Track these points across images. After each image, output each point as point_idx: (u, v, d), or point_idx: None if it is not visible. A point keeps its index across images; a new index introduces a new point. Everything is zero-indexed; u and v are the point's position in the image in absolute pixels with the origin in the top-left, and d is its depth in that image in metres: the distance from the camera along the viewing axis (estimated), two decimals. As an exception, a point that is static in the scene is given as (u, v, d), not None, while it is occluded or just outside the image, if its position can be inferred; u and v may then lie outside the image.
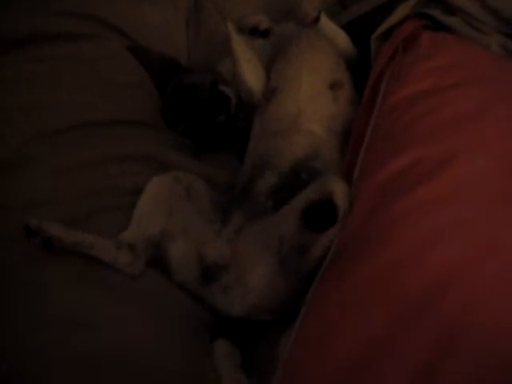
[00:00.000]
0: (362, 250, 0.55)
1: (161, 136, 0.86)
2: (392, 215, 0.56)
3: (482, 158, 0.59)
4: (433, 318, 0.46)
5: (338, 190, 0.59)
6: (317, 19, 0.88)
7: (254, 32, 0.85)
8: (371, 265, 0.52)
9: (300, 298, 0.58)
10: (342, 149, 0.77)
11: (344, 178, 0.65)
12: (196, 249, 0.68)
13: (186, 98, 0.87)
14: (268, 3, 1.06)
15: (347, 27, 0.91)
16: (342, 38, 0.90)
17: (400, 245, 0.53)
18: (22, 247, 0.65)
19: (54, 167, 0.76)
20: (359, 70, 0.87)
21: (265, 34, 0.86)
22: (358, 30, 0.92)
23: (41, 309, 0.61)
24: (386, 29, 0.85)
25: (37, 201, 0.73)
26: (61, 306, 0.62)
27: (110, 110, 0.83)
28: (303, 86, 0.80)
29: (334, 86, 0.81)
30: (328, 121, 0.77)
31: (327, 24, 0.90)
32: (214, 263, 0.67)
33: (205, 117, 0.85)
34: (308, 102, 0.79)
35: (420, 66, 0.74)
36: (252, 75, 0.83)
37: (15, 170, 0.76)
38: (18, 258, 0.66)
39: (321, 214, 0.59)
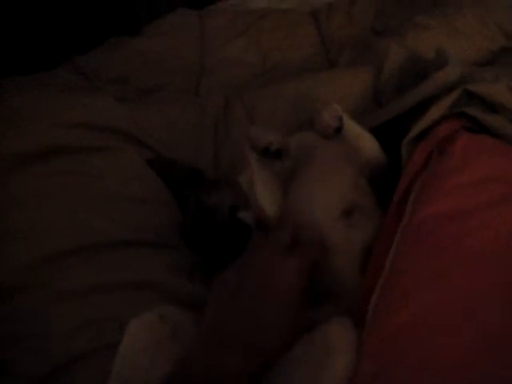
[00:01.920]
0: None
1: (168, 257, 0.80)
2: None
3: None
4: None
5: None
6: (339, 129, 0.79)
7: (266, 152, 0.78)
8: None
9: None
10: (363, 267, 0.67)
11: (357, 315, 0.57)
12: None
13: (203, 222, 0.81)
14: (297, 108, 1.02)
15: (376, 130, 0.82)
16: (369, 144, 0.80)
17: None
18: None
19: (53, 294, 0.71)
20: (389, 176, 0.77)
21: (277, 154, 0.78)
22: (388, 132, 0.83)
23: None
24: (419, 132, 0.76)
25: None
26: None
27: (114, 230, 0.78)
28: (315, 215, 0.72)
29: (347, 213, 0.72)
30: (342, 248, 0.68)
31: (351, 130, 0.80)
32: None
33: (223, 244, 0.78)
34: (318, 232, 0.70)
35: (449, 180, 0.65)
36: (267, 199, 0.76)
37: (15, 296, 0.72)
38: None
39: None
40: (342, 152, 0.80)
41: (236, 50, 1.47)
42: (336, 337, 0.51)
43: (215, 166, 0.99)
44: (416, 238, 0.60)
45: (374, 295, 0.58)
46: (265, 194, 0.76)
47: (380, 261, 0.62)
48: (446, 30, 1.09)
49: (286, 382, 0.50)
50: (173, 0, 1.67)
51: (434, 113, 0.76)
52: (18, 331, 0.69)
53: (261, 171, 0.78)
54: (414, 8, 1.38)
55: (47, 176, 0.80)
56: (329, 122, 0.80)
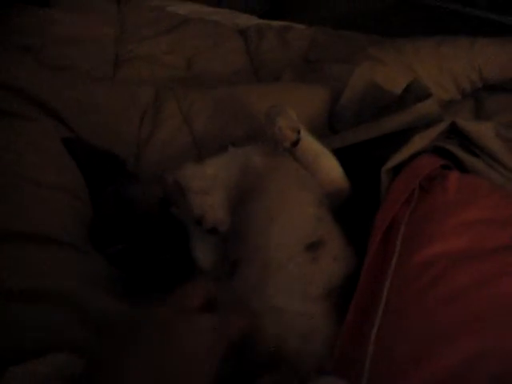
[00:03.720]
0: None
1: (85, 263, 0.59)
2: None
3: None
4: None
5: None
6: (295, 143, 0.64)
7: (199, 224, 0.60)
8: None
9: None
10: (329, 312, 0.55)
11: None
12: None
13: (124, 215, 0.63)
14: (240, 117, 0.88)
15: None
16: (331, 165, 0.68)
17: None
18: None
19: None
20: (353, 206, 0.67)
21: (212, 231, 0.60)
22: (349, 156, 0.72)
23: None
24: (398, 162, 0.67)
25: None
26: None
27: (13, 220, 0.58)
28: (271, 255, 0.58)
29: (312, 247, 0.59)
30: (303, 287, 0.56)
31: (310, 146, 0.67)
32: None
33: (148, 246, 0.60)
34: (276, 271, 0.57)
35: (452, 216, 0.56)
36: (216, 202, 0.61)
37: None
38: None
39: None
40: (297, 176, 0.67)
41: (158, 49, 1.33)
42: None
43: (136, 161, 0.81)
44: (422, 279, 0.50)
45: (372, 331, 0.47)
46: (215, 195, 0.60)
47: (365, 301, 0.52)
48: (402, 67, 1.04)
49: None
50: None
51: (417, 143, 0.69)
52: None
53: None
54: (350, 43, 1.35)
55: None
56: (286, 134, 0.64)
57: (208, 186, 0.61)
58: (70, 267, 0.57)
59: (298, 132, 0.65)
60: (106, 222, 0.64)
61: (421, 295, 0.48)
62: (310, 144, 0.68)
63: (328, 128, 0.90)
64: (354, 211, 0.66)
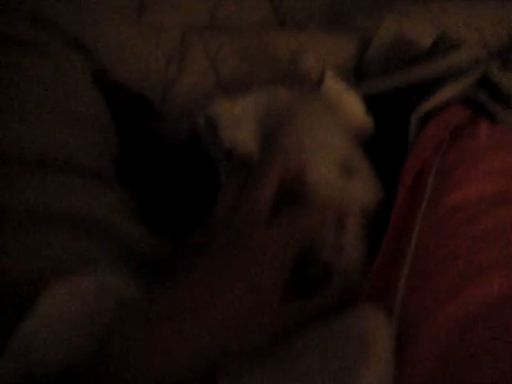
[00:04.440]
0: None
1: (112, 193, 0.60)
2: None
3: None
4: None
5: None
6: (321, 80, 0.66)
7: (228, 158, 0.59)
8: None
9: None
10: (361, 236, 0.55)
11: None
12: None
13: (153, 152, 0.63)
14: (269, 55, 0.87)
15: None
16: (355, 106, 0.68)
17: None
18: None
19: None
20: (377, 146, 0.67)
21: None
22: (377, 105, 0.72)
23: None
24: (429, 109, 0.66)
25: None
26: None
27: (44, 147, 0.57)
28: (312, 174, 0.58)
29: (346, 169, 0.59)
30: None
31: (334, 85, 0.68)
32: None
33: (178, 182, 0.60)
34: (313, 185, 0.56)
35: (483, 162, 0.57)
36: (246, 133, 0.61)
37: None
38: None
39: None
40: (325, 111, 0.67)
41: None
42: (374, 331, 0.37)
43: (161, 104, 0.81)
44: (453, 222, 0.51)
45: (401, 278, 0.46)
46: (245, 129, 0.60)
47: (395, 244, 0.52)
48: (428, 23, 1.02)
49: (300, 372, 0.35)
50: None
51: (448, 91, 0.69)
52: None
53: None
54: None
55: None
56: (311, 71, 0.66)
57: (238, 119, 0.61)
58: (97, 194, 0.57)
59: (323, 70, 0.66)
60: (135, 159, 0.64)
61: (451, 237, 0.49)
62: (335, 82, 0.68)
63: (354, 78, 0.89)
64: (379, 157, 0.66)
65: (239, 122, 0.61)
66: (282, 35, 0.95)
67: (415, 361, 0.38)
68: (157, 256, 0.54)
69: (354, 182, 0.58)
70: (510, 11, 1.08)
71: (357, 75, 0.89)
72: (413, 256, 0.49)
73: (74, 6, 0.76)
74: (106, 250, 0.51)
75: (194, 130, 0.66)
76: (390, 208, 0.56)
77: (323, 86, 0.67)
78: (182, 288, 0.40)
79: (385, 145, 0.67)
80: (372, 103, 0.70)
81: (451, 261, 0.46)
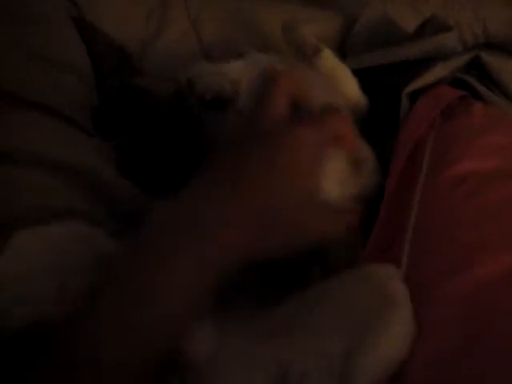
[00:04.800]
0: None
1: (93, 142, 0.55)
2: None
3: None
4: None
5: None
6: (317, 50, 0.65)
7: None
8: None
9: None
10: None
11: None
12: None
13: (136, 105, 0.59)
14: (253, 23, 0.84)
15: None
16: (349, 80, 0.67)
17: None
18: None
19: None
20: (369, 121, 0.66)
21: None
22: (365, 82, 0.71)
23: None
24: (419, 87, 0.66)
25: None
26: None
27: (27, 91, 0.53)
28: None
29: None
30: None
31: (329, 58, 0.67)
32: None
33: (161, 138, 0.56)
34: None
35: (479, 138, 0.56)
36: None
37: None
38: None
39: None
40: (323, 81, 0.64)
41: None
42: (394, 285, 0.35)
43: (139, 61, 0.75)
44: (455, 194, 0.50)
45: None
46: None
47: (393, 218, 0.52)
48: (410, 9, 1.01)
49: (325, 324, 0.33)
50: None
51: (439, 71, 0.69)
52: None
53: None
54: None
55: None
56: (308, 40, 0.65)
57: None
58: (75, 140, 0.53)
59: (319, 43, 0.65)
60: (115, 111, 0.60)
61: (453, 211, 0.48)
62: (329, 56, 0.67)
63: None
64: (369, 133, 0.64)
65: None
66: (265, 4, 0.92)
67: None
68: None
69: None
70: (485, 4, 1.09)
71: (340, 52, 0.88)
72: (413, 231, 0.47)
73: None
74: (90, 201, 0.47)
75: (179, 89, 0.62)
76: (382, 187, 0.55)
77: (319, 59, 0.65)
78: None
79: (373, 122, 0.66)
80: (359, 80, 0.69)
81: (454, 235, 0.45)
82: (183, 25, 0.82)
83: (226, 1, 0.90)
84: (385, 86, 0.70)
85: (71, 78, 0.60)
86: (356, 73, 0.69)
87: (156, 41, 0.79)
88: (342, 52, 0.88)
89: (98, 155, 0.53)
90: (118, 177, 0.52)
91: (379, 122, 0.66)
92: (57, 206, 0.45)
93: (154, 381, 0.32)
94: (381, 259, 0.46)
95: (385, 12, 0.90)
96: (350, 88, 0.67)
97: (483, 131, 0.57)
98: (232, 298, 0.39)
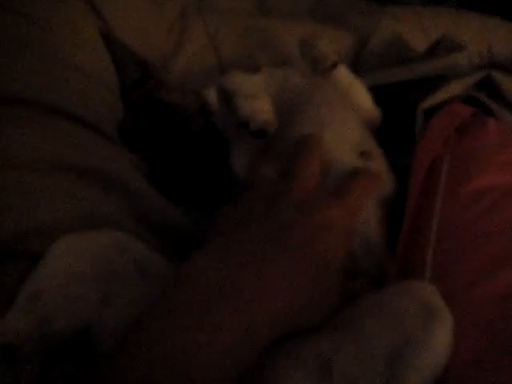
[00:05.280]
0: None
1: (121, 152, 0.57)
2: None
3: None
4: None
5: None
6: (335, 64, 0.67)
7: (245, 126, 0.56)
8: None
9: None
10: (381, 224, 0.55)
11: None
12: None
13: (161, 118, 0.60)
14: (269, 39, 0.86)
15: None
16: (363, 95, 0.70)
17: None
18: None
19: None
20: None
21: (258, 135, 0.56)
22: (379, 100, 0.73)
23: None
24: (435, 103, 0.68)
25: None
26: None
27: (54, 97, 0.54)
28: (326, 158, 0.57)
29: (364, 155, 0.59)
30: None
31: (345, 73, 0.70)
32: None
33: (185, 154, 0.58)
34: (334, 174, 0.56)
35: (496, 155, 0.58)
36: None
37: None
38: None
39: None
40: (338, 96, 0.67)
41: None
42: (435, 299, 0.37)
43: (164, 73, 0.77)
44: (476, 208, 0.52)
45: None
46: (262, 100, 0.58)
47: (414, 233, 0.52)
48: (418, 29, 1.04)
49: (368, 330, 0.35)
50: None
51: (454, 88, 0.72)
52: None
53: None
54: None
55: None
56: (327, 54, 0.67)
57: (254, 91, 0.59)
58: (105, 149, 0.54)
59: (337, 57, 0.68)
60: (141, 124, 0.61)
61: (477, 222, 0.49)
62: (345, 71, 0.70)
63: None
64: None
65: (255, 93, 0.59)
66: (280, 22, 0.95)
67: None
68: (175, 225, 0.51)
69: (372, 169, 0.57)
70: (491, 28, 1.12)
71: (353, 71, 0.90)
72: (435, 244, 0.49)
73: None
74: (124, 211, 0.48)
75: (204, 103, 0.64)
76: (402, 201, 0.56)
77: (335, 73, 0.67)
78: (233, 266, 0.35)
79: (388, 137, 0.68)
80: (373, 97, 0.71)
81: (477, 247, 0.47)
82: (202, 40, 0.84)
83: (244, 17, 0.93)
84: (398, 103, 0.72)
85: (98, 87, 0.61)
86: (369, 89, 0.72)
87: (176, 55, 0.81)
88: (354, 70, 0.91)
89: (127, 164, 0.54)
90: (147, 187, 0.53)
91: (394, 138, 0.68)
92: (95, 214, 0.46)
93: None
94: (405, 273, 0.48)
95: (396, 31, 0.93)
96: (364, 102, 0.69)
97: (500, 147, 0.58)
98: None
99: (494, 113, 0.69)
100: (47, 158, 0.47)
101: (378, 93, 0.73)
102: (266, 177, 0.47)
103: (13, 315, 0.37)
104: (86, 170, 0.48)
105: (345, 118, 0.63)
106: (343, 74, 0.69)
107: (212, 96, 0.64)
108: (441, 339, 0.33)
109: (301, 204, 0.39)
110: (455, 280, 0.44)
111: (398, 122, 0.70)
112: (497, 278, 0.43)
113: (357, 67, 0.90)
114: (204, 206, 0.56)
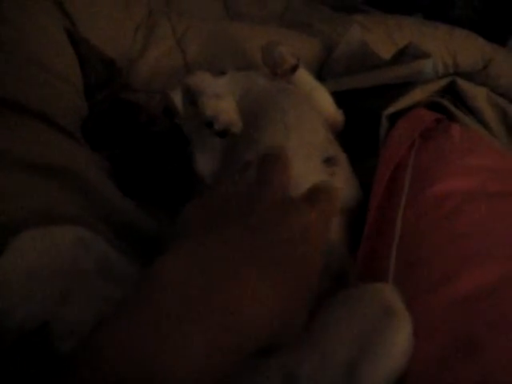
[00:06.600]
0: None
1: (86, 151, 0.55)
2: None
3: None
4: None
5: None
6: (295, 68, 0.68)
7: (209, 125, 0.55)
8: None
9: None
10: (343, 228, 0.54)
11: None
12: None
13: (125, 119, 0.59)
14: (235, 44, 0.86)
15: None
16: (325, 98, 0.70)
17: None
18: None
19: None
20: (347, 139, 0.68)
21: (222, 134, 0.56)
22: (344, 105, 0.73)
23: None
24: (399, 109, 0.68)
25: None
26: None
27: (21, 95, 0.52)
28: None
29: (329, 161, 0.58)
30: None
31: (306, 77, 0.71)
32: None
33: (149, 153, 0.57)
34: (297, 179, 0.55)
35: (460, 159, 0.58)
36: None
37: None
38: None
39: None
40: (304, 98, 0.66)
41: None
42: (392, 299, 0.36)
43: (126, 75, 0.77)
44: (439, 211, 0.51)
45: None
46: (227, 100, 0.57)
47: (376, 237, 0.52)
48: (385, 38, 1.06)
49: (332, 342, 0.33)
50: None
51: (418, 94, 0.72)
52: None
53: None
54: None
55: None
56: (286, 58, 0.68)
57: (221, 92, 0.59)
58: (72, 149, 0.53)
59: (298, 61, 0.68)
60: (105, 124, 0.60)
61: (439, 225, 0.49)
62: (306, 75, 0.70)
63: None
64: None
65: (220, 93, 0.58)
66: (247, 26, 0.95)
67: None
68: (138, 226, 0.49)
69: (336, 177, 0.57)
70: (456, 39, 1.15)
71: (318, 77, 0.91)
72: (398, 247, 0.49)
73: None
74: (86, 209, 0.47)
75: (169, 104, 0.63)
76: (365, 204, 0.56)
77: (297, 76, 0.68)
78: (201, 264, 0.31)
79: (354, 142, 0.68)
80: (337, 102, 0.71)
81: (440, 249, 0.47)
82: (169, 42, 0.84)
83: (211, 21, 0.93)
84: (363, 108, 0.72)
85: (64, 86, 0.60)
86: (335, 96, 0.72)
87: (143, 57, 0.80)
88: (320, 76, 0.91)
89: (90, 163, 0.53)
90: (111, 186, 0.51)
91: (358, 142, 0.68)
92: (56, 210, 0.44)
93: None
94: (368, 276, 0.47)
95: (363, 39, 0.94)
96: (327, 105, 0.70)
97: (463, 152, 0.59)
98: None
99: (458, 119, 0.70)
100: (9, 155, 0.46)
101: (344, 99, 0.73)
102: (237, 180, 0.46)
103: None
104: (49, 168, 0.47)
105: (311, 122, 0.62)
106: (304, 77, 0.70)
107: (177, 97, 0.63)
108: (399, 342, 0.33)
109: (276, 206, 0.38)
110: (418, 283, 0.44)
111: (363, 127, 0.70)
112: (459, 280, 0.42)
113: (323, 73, 0.90)
114: (167, 205, 0.54)
